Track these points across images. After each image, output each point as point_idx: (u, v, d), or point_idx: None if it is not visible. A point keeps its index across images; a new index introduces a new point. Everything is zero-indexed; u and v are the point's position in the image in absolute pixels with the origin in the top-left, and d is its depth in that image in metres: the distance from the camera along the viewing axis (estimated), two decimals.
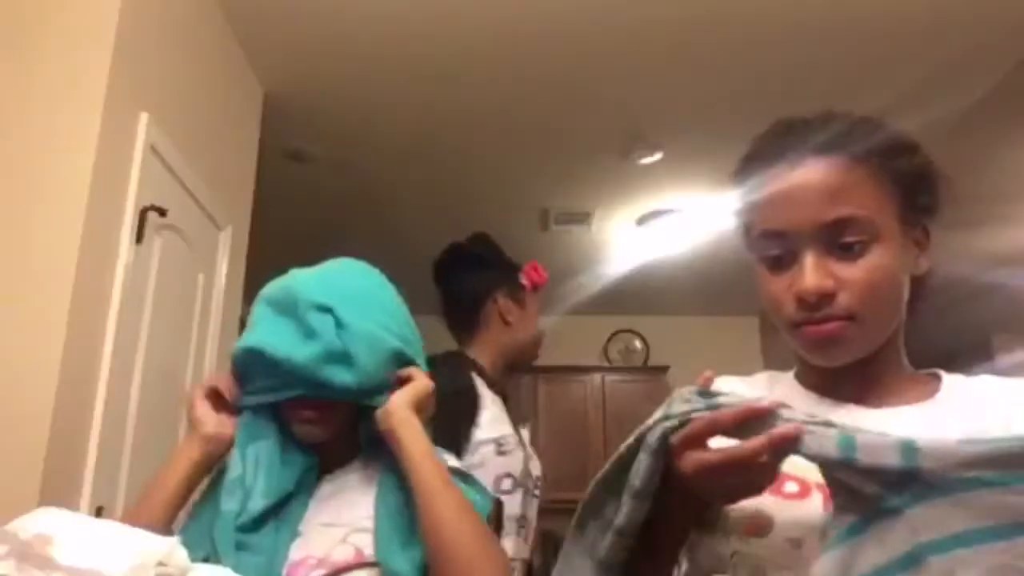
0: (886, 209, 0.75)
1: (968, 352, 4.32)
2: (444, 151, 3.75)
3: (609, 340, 6.13)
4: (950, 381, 0.79)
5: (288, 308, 1.09)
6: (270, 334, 1.07)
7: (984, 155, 3.46)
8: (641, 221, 4.51)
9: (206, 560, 1.01)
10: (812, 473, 0.68)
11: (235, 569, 0.99)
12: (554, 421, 5.59)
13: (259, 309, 1.13)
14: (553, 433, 5.55)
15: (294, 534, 1.06)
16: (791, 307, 0.75)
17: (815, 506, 0.69)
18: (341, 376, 1.05)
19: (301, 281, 1.12)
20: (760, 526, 0.69)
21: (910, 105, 3.20)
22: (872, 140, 0.76)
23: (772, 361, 3.65)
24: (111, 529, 0.79)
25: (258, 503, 1.05)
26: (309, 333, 1.06)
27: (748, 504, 0.69)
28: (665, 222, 4.46)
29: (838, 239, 0.73)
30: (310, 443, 1.11)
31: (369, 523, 1.07)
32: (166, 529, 1.05)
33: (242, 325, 2.83)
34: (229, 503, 1.05)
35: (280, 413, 1.12)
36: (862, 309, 0.73)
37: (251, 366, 1.10)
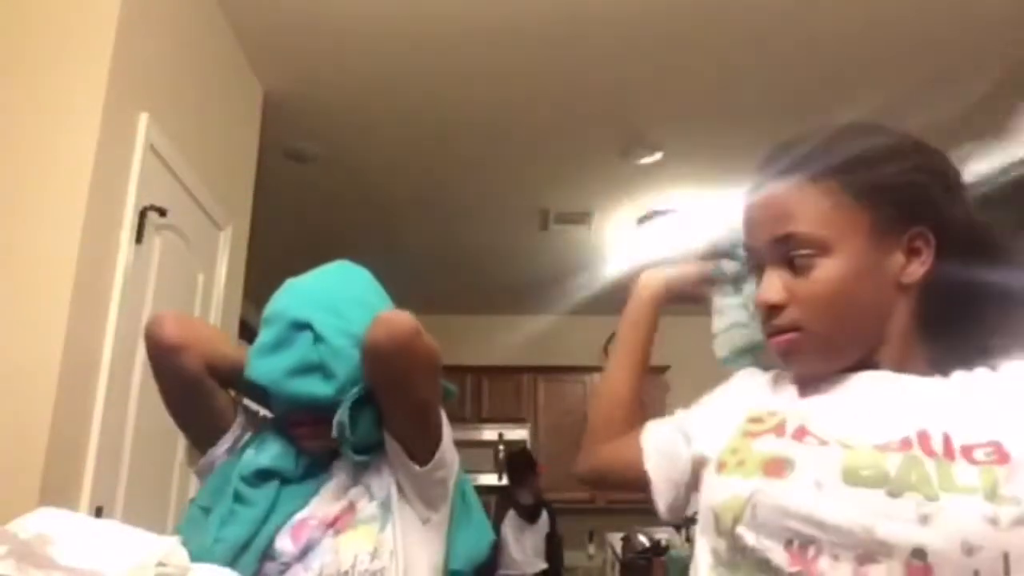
0: (843, 224, 0.78)
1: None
2: (444, 151, 3.75)
3: (609, 340, 6.10)
4: (957, 374, 0.80)
5: (272, 323, 1.14)
6: (254, 356, 1.14)
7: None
8: (641, 221, 4.51)
9: (207, 509, 1.11)
10: (831, 433, 0.73)
11: (227, 515, 1.09)
12: (554, 421, 5.60)
13: (260, 330, 1.19)
14: (553, 433, 5.56)
15: (301, 503, 1.13)
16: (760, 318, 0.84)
17: (834, 452, 0.71)
18: (316, 387, 1.10)
19: (285, 297, 1.17)
20: (781, 468, 0.72)
21: (909, 106, 3.20)
22: (836, 157, 0.80)
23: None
24: (111, 529, 0.79)
25: (262, 460, 1.14)
26: (282, 348, 1.11)
27: (770, 448, 0.74)
28: (665, 222, 4.46)
29: (788, 255, 0.79)
30: (314, 453, 1.17)
31: (366, 478, 1.15)
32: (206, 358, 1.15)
33: (242, 325, 2.85)
34: (246, 454, 1.16)
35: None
36: (808, 321, 0.78)
37: (256, 389, 1.18)
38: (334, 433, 1.08)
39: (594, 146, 3.70)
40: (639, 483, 0.96)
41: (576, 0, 2.68)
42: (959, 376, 0.78)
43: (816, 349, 0.79)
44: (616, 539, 4.91)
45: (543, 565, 4.53)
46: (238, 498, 1.11)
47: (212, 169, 2.63)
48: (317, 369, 1.09)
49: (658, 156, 3.75)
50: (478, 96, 3.27)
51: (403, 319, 1.05)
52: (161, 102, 2.23)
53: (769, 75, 3.08)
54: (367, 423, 1.12)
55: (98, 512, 1.88)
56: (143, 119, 2.12)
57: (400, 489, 1.15)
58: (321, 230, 4.48)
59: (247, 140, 3.05)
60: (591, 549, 5.64)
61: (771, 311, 0.80)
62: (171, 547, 0.76)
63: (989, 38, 2.84)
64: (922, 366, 0.81)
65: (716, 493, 0.76)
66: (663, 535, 4.45)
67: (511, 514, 4.59)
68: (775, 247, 0.80)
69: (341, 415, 1.08)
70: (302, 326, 1.10)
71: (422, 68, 3.05)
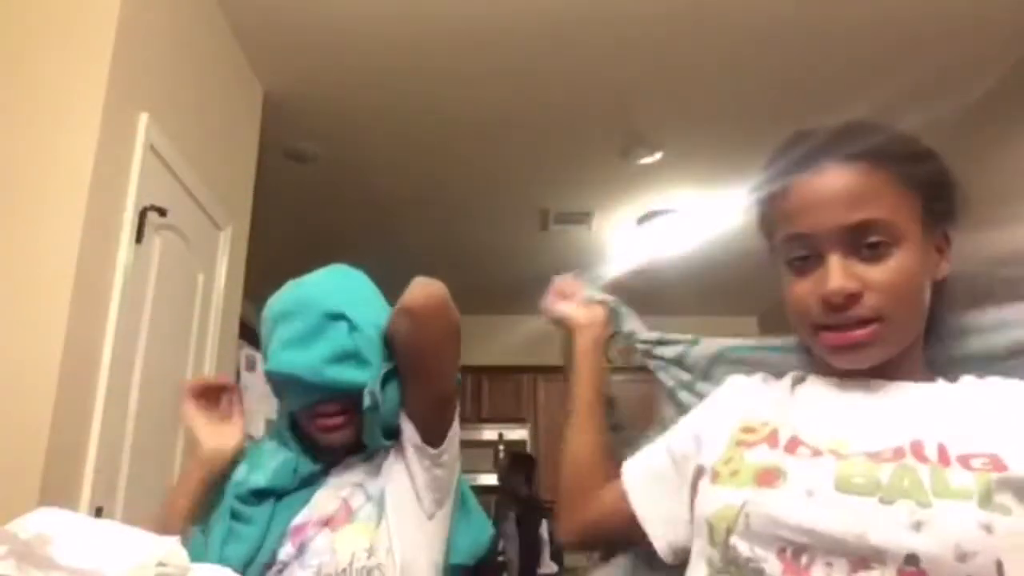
0: (907, 213, 0.77)
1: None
2: (444, 151, 3.75)
3: (609, 340, 6.11)
4: (966, 379, 0.80)
5: (298, 316, 1.15)
6: (281, 349, 1.14)
7: (983, 156, 3.46)
8: (641, 221, 4.51)
9: (203, 529, 1.12)
10: (823, 442, 0.73)
11: (228, 535, 1.09)
12: (554, 421, 5.59)
13: (270, 328, 1.18)
14: (553, 433, 5.56)
15: (298, 510, 1.14)
16: (816, 310, 0.77)
17: (827, 463, 0.71)
18: (352, 374, 1.12)
19: (311, 289, 1.18)
20: (773, 477, 0.71)
21: (908, 107, 3.20)
22: (891, 146, 0.78)
23: None
24: (111, 529, 0.79)
25: (259, 480, 1.14)
26: (317, 337, 1.12)
27: (762, 459, 0.73)
28: (665, 222, 4.47)
29: (862, 241, 0.75)
30: (334, 447, 1.18)
31: (359, 479, 1.16)
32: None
33: (242, 325, 2.85)
34: (239, 473, 1.17)
35: (301, 426, 1.19)
36: (888, 310, 0.75)
37: (278, 384, 1.18)
38: (366, 403, 1.10)
39: (594, 146, 3.70)
40: (633, 528, 0.91)
41: (577, 1, 2.68)
42: (967, 381, 0.78)
43: (894, 339, 0.76)
44: None
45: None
46: (236, 516, 1.12)
47: (212, 169, 2.63)
48: (352, 357, 1.12)
49: (658, 156, 3.75)
50: (478, 96, 3.27)
51: (439, 284, 1.09)
52: (161, 102, 2.23)
53: (770, 75, 3.08)
54: (391, 401, 1.14)
55: (98, 512, 1.88)
56: (143, 119, 2.12)
57: (411, 480, 1.16)
58: (321, 230, 4.48)
59: (247, 140, 3.04)
60: None
61: (848, 300, 0.75)
62: (171, 547, 0.76)
63: (995, 35, 2.84)
64: (921, 367, 0.81)
65: (710, 503, 0.75)
66: None
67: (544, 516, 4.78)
68: (845, 234, 0.75)
69: (372, 384, 1.10)
70: (336, 316, 1.12)
71: (422, 68, 3.05)
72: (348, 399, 1.12)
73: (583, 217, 4.51)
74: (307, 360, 1.11)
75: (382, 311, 1.17)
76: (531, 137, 3.63)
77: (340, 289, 1.18)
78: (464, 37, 2.86)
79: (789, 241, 0.79)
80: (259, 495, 1.14)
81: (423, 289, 1.09)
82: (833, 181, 0.77)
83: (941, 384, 0.78)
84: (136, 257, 2.07)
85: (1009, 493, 0.64)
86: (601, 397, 1.08)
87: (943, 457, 0.68)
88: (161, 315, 2.24)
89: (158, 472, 2.27)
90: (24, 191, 1.86)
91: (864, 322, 0.75)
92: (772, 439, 0.76)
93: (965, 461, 0.67)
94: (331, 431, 1.16)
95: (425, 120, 3.45)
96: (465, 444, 1.27)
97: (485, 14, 2.73)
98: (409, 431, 1.16)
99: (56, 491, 1.72)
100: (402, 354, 1.13)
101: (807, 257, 0.78)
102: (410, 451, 1.16)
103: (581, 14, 2.74)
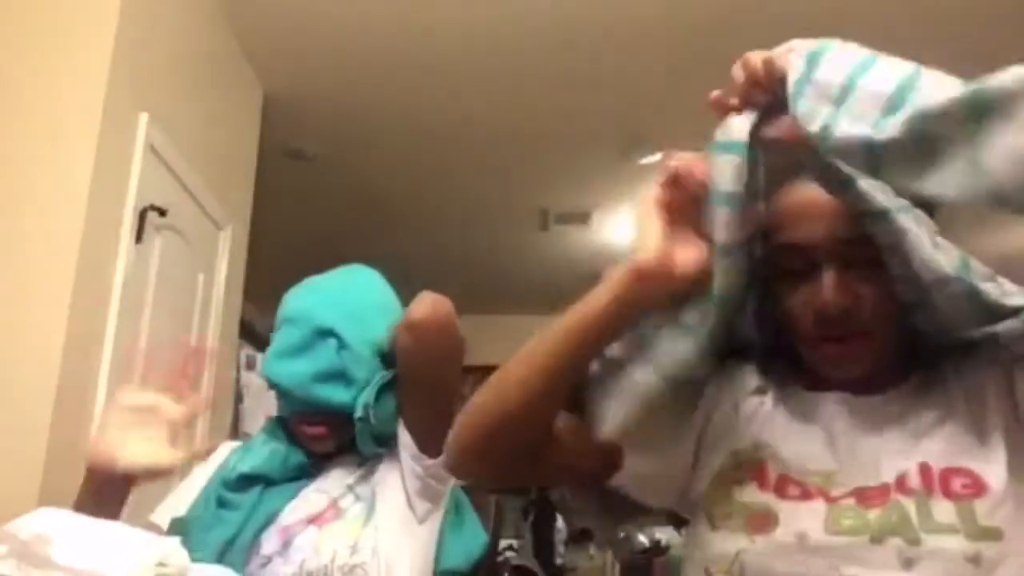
0: None
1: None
2: (444, 151, 3.75)
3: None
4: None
5: (295, 326, 1.16)
6: (276, 357, 1.16)
7: None
8: None
9: (183, 519, 1.14)
10: (812, 478, 0.73)
11: (211, 520, 1.10)
12: None
13: (276, 329, 1.20)
14: None
15: (285, 501, 1.15)
16: (808, 321, 0.76)
17: (817, 506, 0.71)
18: (337, 394, 1.12)
19: (310, 300, 1.18)
20: (765, 523, 0.71)
21: None
22: None
23: None
24: (111, 529, 0.79)
25: (245, 467, 1.16)
26: (306, 352, 1.13)
27: (753, 500, 0.73)
28: None
29: (857, 256, 0.74)
30: (317, 453, 1.19)
31: (351, 480, 1.18)
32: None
33: (243, 325, 2.85)
34: (228, 462, 1.19)
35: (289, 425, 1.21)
36: (879, 325, 0.74)
37: (271, 387, 1.19)
38: (358, 415, 1.11)
39: (594, 146, 3.70)
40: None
41: (576, 1, 2.68)
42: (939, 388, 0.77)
43: (877, 354, 0.76)
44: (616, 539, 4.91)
45: None
46: (221, 503, 1.14)
47: (212, 169, 2.63)
48: (339, 376, 1.12)
49: (658, 156, 3.75)
50: (478, 96, 3.27)
51: (445, 301, 1.11)
52: (161, 102, 2.23)
53: None
54: (386, 412, 1.15)
55: None
56: (143, 119, 2.12)
57: (404, 486, 1.17)
58: (321, 230, 4.48)
59: (247, 140, 3.05)
60: (591, 549, 5.64)
61: (842, 313, 0.73)
62: (171, 547, 0.76)
63: (997, 33, 2.84)
64: (893, 371, 0.80)
65: (705, 547, 0.75)
66: (663, 535, 4.45)
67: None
68: (841, 247, 0.74)
69: (368, 396, 1.11)
70: (326, 333, 1.13)
71: (422, 68, 3.05)
72: (332, 414, 1.14)
73: (583, 217, 4.51)
74: (294, 374, 1.13)
75: (382, 322, 1.16)
76: (531, 137, 3.62)
77: (338, 302, 1.17)
78: (464, 37, 2.86)
79: (782, 250, 0.78)
80: (246, 481, 1.15)
81: (427, 305, 1.10)
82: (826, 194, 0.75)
83: (916, 390, 0.78)
84: (136, 257, 2.07)
85: (997, 515, 0.65)
86: (612, 332, 0.80)
87: (927, 478, 0.68)
88: (161, 315, 2.24)
89: None
90: (24, 191, 1.86)
91: (856, 334, 0.74)
92: (761, 476, 0.75)
93: (947, 482, 0.67)
94: (313, 439, 1.17)
95: (425, 120, 3.45)
96: None
97: (485, 14, 2.73)
98: (406, 440, 1.16)
99: (56, 491, 1.72)
100: (403, 366, 1.13)
101: (800, 267, 0.76)
102: (405, 459, 1.16)
103: (581, 14, 2.74)
